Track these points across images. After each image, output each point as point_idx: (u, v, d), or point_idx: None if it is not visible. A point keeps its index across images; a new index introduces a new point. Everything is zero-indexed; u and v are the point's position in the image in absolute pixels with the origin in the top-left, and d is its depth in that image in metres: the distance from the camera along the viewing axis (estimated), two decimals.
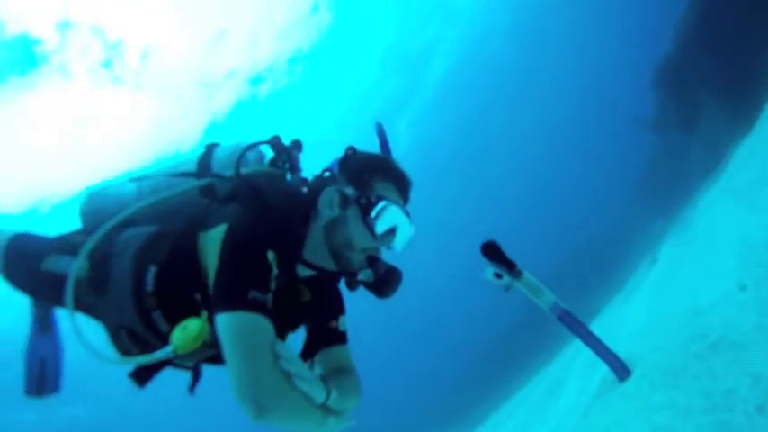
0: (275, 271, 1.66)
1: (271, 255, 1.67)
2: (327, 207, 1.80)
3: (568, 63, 16.13)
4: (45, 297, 2.23)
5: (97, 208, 2.13)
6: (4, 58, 11.66)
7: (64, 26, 12.09)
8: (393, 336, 18.30)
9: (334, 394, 1.70)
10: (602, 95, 15.68)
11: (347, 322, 2.01)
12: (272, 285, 1.65)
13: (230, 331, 1.54)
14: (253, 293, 1.58)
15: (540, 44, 16.15)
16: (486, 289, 2.66)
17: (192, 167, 1.98)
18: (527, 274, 2.43)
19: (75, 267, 1.85)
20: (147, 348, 1.87)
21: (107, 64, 13.16)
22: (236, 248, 1.65)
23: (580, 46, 15.71)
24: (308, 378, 1.62)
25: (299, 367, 1.60)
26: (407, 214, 1.85)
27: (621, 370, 2.27)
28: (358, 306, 2.12)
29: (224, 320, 1.56)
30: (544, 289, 2.42)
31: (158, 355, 1.66)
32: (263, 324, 1.56)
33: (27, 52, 11.97)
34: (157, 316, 1.80)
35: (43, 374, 2.53)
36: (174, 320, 1.68)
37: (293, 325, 1.94)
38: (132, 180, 2.11)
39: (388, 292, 1.81)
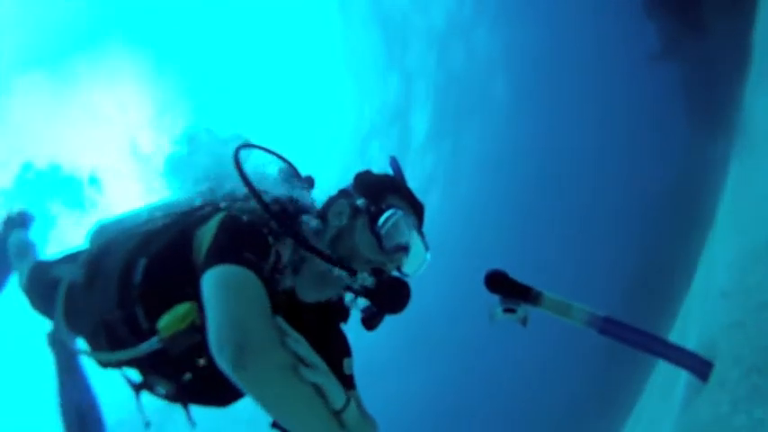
0: (273, 257, 1.52)
1: (271, 239, 1.54)
2: (336, 217, 1.71)
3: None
4: (47, 304, 2.17)
5: (105, 230, 2.16)
6: None
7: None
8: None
9: (353, 407, 1.48)
10: (606, 50, 14.26)
11: (353, 365, 1.81)
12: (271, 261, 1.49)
13: (215, 282, 1.38)
14: (248, 255, 1.42)
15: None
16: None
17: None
18: (547, 295, 2.00)
19: (70, 271, 1.95)
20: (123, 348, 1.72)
21: None
22: (232, 224, 1.54)
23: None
24: (322, 368, 1.41)
25: (308, 352, 1.39)
26: (421, 236, 1.73)
27: (701, 367, 1.77)
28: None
29: (209, 276, 1.39)
30: (571, 303, 1.97)
31: (144, 347, 1.53)
32: (257, 283, 1.38)
33: None
34: (139, 311, 1.65)
35: (84, 421, 2.46)
36: (154, 319, 1.54)
37: None
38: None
39: (392, 304, 1.61)
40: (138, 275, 1.70)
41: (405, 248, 1.68)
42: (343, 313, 1.85)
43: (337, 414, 1.43)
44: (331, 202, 1.77)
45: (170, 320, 1.48)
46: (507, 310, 1.99)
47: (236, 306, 1.32)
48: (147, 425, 1.90)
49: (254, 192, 1.61)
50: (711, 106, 9.25)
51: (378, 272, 1.63)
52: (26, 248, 2.83)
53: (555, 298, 2.01)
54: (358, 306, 1.76)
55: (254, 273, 1.39)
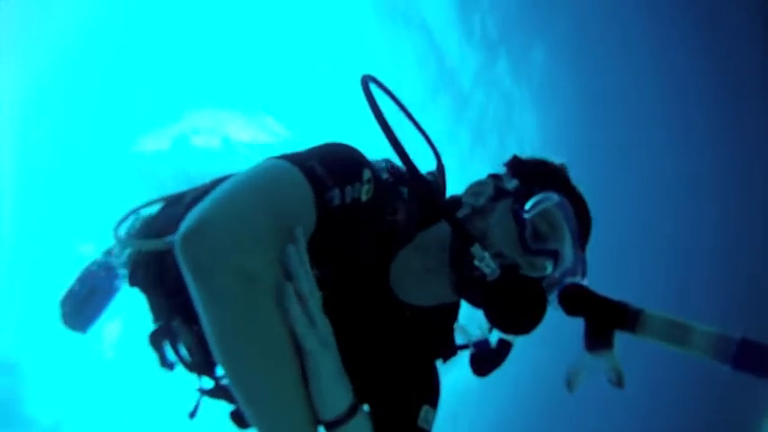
0: (364, 195, 1.20)
1: (368, 174, 1.23)
2: (472, 196, 1.33)
3: None
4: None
5: None
6: None
7: None
8: None
9: (362, 418, 1.12)
10: None
11: (433, 421, 1.39)
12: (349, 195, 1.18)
13: (251, 167, 1.12)
14: (316, 165, 1.12)
15: None
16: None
17: None
18: (649, 313, 1.38)
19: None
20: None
21: None
22: (329, 143, 1.25)
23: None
24: (325, 335, 1.03)
25: (313, 292, 1.02)
26: (581, 253, 1.28)
27: None
28: None
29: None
30: (690, 323, 1.35)
31: (168, 239, 1.38)
32: (301, 187, 1.08)
33: None
34: None
35: (86, 302, 2.38)
36: None
37: (353, 353, 1.22)
38: None
39: (517, 311, 1.16)
40: None
41: (553, 254, 1.23)
42: (449, 349, 1.47)
43: (327, 425, 1.04)
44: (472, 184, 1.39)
45: None
46: (599, 347, 1.39)
47: (246, 188, 1.02)
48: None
49: (383, 124, 1.21)
50: None
51: (508, 270, 1.19)
52: None
53: (662, 317, 1.39)
54: (470, 337, 1.37)
55: (308, 181, 1.09)
